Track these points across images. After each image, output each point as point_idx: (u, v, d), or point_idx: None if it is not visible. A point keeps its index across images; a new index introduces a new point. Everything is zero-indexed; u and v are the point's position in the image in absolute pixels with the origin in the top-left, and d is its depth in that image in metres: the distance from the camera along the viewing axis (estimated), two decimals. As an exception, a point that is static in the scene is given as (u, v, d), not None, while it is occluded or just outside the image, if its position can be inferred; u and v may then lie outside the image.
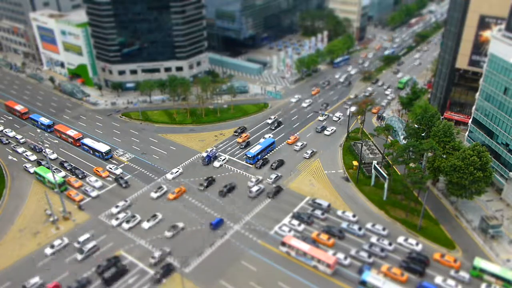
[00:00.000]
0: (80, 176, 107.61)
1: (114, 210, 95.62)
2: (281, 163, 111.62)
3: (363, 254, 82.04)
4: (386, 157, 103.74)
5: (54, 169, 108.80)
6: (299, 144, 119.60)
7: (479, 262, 77.98)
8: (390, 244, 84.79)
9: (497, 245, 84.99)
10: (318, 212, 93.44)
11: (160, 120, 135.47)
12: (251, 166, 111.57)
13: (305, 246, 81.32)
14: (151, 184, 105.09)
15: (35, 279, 78.17)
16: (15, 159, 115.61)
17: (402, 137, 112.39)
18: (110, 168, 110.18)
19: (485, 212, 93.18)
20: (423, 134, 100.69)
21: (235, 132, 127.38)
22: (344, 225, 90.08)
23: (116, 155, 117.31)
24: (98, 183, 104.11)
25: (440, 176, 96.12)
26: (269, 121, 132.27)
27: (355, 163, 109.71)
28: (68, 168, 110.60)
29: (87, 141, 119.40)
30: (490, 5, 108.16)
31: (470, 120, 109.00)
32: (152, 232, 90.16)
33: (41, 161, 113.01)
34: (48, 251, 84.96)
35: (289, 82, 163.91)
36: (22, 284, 77.73)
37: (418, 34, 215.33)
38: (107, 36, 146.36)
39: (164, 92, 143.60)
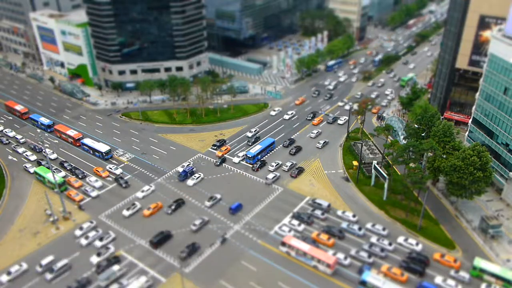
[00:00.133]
0: (80, 176, 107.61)
1: (78, 232, 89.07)
2: (299, 149, 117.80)
3: (363, 254, 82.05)
4: (386, 157, 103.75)
5: (54, 169, 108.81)
6: (315, 131, 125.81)
7: (479, 262, 77.99)
8: (390, 244, 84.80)
9: (497, 245, 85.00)
10: (318, 212, 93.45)
11: (160, 120, 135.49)
12: (251, 166, 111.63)
13: (305, 246, 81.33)
14: (151, 184, 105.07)
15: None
16: (15, 159, 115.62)
17: (402, 137, 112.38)
18: (110, 168, 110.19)
19: (485, 212, 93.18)
20: (423, 134, 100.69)
21: (214, 145, 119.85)
22: (344, 225, 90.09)
23: (116, 155, 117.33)
24: (98, 183, 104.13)
25: (440, 176, 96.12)
26: (249, 134, 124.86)
27: (355, 163, 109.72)
28: (68, 168, 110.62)
29: (87, 141, 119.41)
30: (490, 5, 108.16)
31: (470, 120, 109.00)
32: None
33: (41, 161, 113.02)
34: (4, 278, 79.04)
35: (289, 82, 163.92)
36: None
37: (418, 34, 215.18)
38: (107, 36, 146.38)
39: (164, 92, 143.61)
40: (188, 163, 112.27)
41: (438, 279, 76.55)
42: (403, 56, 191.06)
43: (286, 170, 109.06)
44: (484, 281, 77.02)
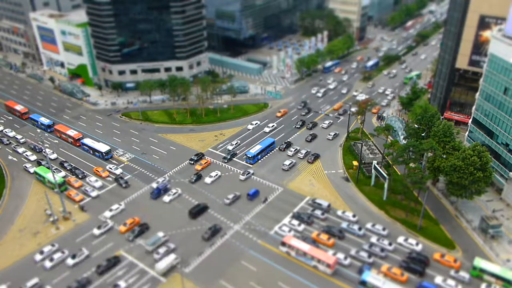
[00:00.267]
0: (80, 176, 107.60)
1: (38, 256, 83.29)
2: (314, 136, 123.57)
3: (363, 254, 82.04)
4: (386, 157, 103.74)
5: (54, 169, 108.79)
6: (327, 122, 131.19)
7: (479, 262, 77.98)
8: (390, 244, 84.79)
9: (497, 245, 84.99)
10: (318, 212, 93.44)
11: (160, 120, 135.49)
12: (251, 166, 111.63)
13: (305, 246, 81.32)
14: (149, 185, 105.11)
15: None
16: (15, 159, 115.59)
17: (402, 137, 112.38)
18: (110, 168, 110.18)
19: (485, 212, 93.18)
20: (423, 134, 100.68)
21: (191, 159, 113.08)
22: (344, 225, 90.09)
23: (116, 155, 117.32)
24: (98, 183, 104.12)
25: (440, 176, 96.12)
26: (230, 148, 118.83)
27: (355, 163, 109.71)
28: (68, 168, 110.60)
29: (87, 141, 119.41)
30: (490, 5, 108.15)
31: (470, 120, 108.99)
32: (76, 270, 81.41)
33: (41, 161, 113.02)
34: None
35: (289, 82, 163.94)
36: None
37: (419, 34, 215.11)
38: (107, 36, 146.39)
39: (164, 92, 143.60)
40: (163, 179, 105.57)
41: (438, 279, 76.54)
42: (403, 56, 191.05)
43: (302, 157, 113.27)
44: (484, 281, 77.01)
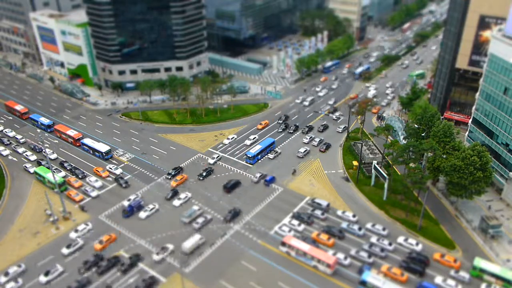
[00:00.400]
0: (80, 176, 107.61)
1: (3, 278, 78.85)
2: (325, 127, 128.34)
3: (363, 254, 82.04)
4: (386, 157, 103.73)
5: (54, 169, 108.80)
6: (337, 114, 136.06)
7: (479, 262, 77.98)
8: (390, 244, 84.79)
9: (497, 245, 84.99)
10: (318, 212, 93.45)
11: (160, 120, 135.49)
12: (251, 166, 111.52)
13: (305, 246, 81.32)
14: (151, 183, 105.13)
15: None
16: (15, 159, 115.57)
17: (402, 137, 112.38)
18: (110, 168, 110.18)
19: (485, 212, 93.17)
20: (423, 134, 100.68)
21: (168, 174, 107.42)
22: (344, 225, 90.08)
23: (116, 155, 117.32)
24: (98, 183, 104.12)
25: (440, 176, 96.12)
26: (211, 161, 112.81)
27: (355, 163, 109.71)
28: (68, 168, 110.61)
29: (87, 141, 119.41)
30: (490, 5, 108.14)
31: (470, 120, 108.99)
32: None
33: (41, 161, 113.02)
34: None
35: (289, 82, 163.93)
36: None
37: (418, 34, 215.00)
38: (107, 36, 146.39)
39: (164, 92, 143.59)
40: (135, 196, 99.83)
41: (438, 279, 76.54)
42: (403, 56, 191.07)
43: (316, 145, 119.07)
44: (484, 281, 77.02)
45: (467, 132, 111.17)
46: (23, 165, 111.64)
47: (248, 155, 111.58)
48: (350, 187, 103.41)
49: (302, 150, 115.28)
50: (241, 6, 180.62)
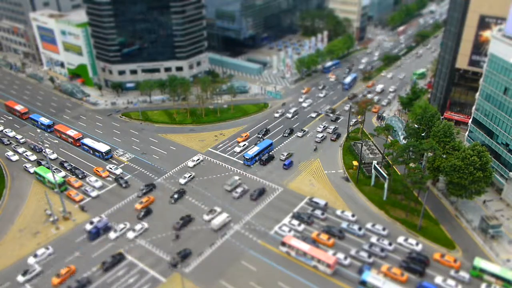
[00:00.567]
0: (80, 176, 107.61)
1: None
2: (338, 117, 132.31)
3: (363, 254, 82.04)
4: (386, 157, 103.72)
5: (54, 169, 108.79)
6: (348, 106, 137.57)
7: (479, 262, 77.97)
8: (390, 244, 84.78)
9: (497, 245, 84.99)
10: (318, 212, 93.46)
11: (160, 120, 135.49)
12: (250, 167, 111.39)
13: (305, 246, 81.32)
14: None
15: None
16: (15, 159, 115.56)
17: (402, 137, 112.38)
18: (110, 168, 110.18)
19: (485, 212, 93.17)
20: (423, 134, 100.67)
21: (141, 189, 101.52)
22: (344, 225, 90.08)
23: (116, 155, 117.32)
24: (98, 183, 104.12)
25: (440, 176, 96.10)
26: (182, 181, 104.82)
27: (355, 163, 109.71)
28: (68, 168, 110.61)
29: (87, 141, 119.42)
30: (490, 5, 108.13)
31: (470, 120, 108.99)
32: None
33: (41, 161, 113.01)
34: None
35: (289, 82, 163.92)
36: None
37: (419, 34, 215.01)
38: (107, 36, 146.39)
39: (164, 92, 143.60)
40: (101, 218, 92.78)
41: (438, 279, 76.54)
42: (403, 56, 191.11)
43: (331, 132, 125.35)
44: (484, 281, 77.02)
45: (467, 132, 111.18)
46: (23, 165, 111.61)
47: (246, 157, 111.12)
48: (350, 187, 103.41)
49: (319, 135, 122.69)
50: (241, 6, 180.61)
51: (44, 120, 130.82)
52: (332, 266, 78.26)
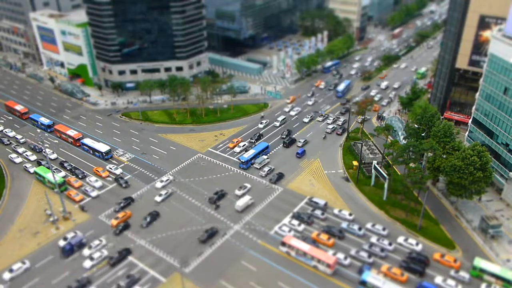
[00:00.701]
0: (80, 176, 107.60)
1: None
2: (347, 109, 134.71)
3: (363, 254, 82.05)
4: (386, 157, 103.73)
5: (54, 169, 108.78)
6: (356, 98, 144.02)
7: (479, 262, 77.99)
8: (390, 244, 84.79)
9: (497, 245, 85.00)
10: (318, 212, 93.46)
11: (160, 120, 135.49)
12: (245, 170, 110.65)
13: (305, 246, 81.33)
14: (151, 184, 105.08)
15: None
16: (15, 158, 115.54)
17: (402, 137, 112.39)
18: (110, 168, 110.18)
19: (485, 212, 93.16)
20: (423, 134, 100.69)
21: (118, 202, 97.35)
22: (344, 225, 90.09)
23: (116, 155, 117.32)
24: (98, 183, 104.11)
25: (440, 176, 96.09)
26: (158, 199, 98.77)
27: (355, 163, 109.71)
28: (68, 168, 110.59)
29: (87, 141, 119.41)
30: (490, 5, 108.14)
31: (470, 120, 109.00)
32: None
33: (41, 161, 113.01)
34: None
35: (289, 82, 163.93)
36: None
37: (419, 34, 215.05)
38: (107, 36, 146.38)
39: (164, 92, 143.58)
40: (75, 234, 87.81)
41: (438, 279, 76.55)
42: (403, 56, 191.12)
43: (340, 124, 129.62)
44: (484, 281, 77.02)
45: (467, 132, 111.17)
46: (23, 165, 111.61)
47: (242, 160, 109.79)
48: (350, 187, 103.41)
49: (330, 126, 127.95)
50: (241, 6, 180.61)
51: (44, 120, 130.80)
52: (332, 266, 78.27)
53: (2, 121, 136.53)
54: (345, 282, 77.74)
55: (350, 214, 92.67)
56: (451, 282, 75.69)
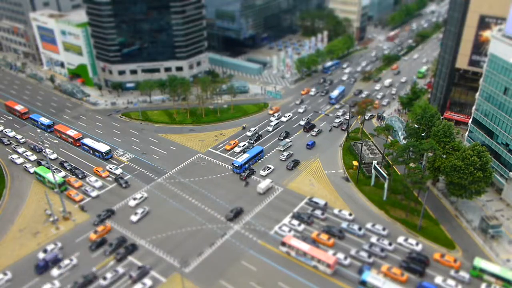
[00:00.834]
0: (80, 176, 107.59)
1: None
2: (354, 103, 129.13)
3: (363, 254, 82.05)
4: (386, 157, 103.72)
5: (54, 169, 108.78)
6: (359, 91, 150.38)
7: (479, 262, 77.98)
8: (390, 244, 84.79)
9: (497, 245, 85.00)
10: (318, 212, 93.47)
11: (160, 120, 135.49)
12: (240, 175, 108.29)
13: (305, 246, 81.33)
14: (151, 184, 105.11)
15: None
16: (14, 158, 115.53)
17: (402, 137, 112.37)
18: (110, 168, 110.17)
19: (485, 212, 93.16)
20: (423, 134, 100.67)
21: (99, 215, 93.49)
22: (344, 225, 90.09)
23: (116, 155, 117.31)
24: (98, 183, 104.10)
25: (440, 176, 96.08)
26: (134, 218, 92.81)
27: (355, 163, 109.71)
28: (68, 168, 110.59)
29: (87, 141, 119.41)
30: (490, 5, 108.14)
31: (470, 120, 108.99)
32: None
33: (41, 161, 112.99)
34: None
35: (289, 82, 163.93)
36: None
37: (419, 34, 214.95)
38: (107, 36, 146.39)
39: (164, 92, 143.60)
40: (52, 248, 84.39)
41: (438, 279, 76.55)
42: (403, 56, 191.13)
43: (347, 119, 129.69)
44: (484, 281, 77.03)
45: (467, 132, 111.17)
46: (23, 165, 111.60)
47: (235, 164, 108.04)
48: (350, 187, 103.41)
49: (337, 120, 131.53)
50: (241, 6, 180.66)
51: (44, 120, 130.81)
52: (332, 266, 78.27)
53: (2, 121, 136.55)
54: (345, 282, 77.74)
55: (350, 214, 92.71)
56: (451, 282, 75.69)
